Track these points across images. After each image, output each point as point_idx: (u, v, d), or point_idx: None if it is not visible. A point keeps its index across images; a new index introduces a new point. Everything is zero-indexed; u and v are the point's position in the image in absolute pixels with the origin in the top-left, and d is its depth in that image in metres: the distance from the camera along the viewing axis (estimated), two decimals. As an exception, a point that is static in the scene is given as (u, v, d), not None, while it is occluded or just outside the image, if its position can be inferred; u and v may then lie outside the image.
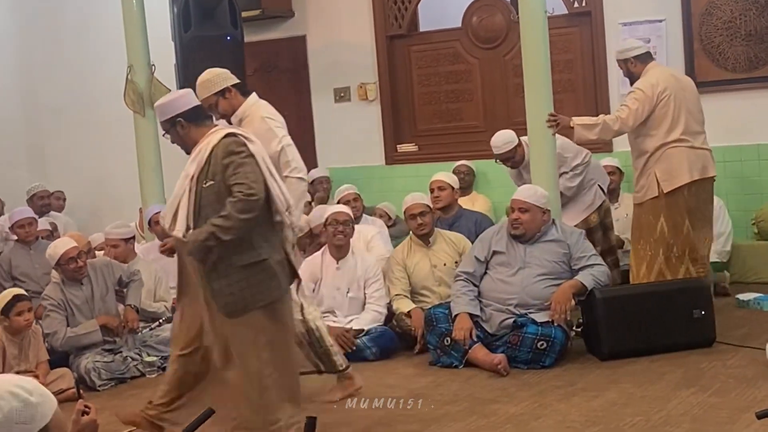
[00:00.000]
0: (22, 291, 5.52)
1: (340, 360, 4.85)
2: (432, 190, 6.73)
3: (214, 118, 4.41)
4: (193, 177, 3.97)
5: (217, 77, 4.74)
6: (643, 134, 5.72)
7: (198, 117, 4.12)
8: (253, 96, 4.88)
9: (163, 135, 4.24)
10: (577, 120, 5.76)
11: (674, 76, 5.91)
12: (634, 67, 5.82)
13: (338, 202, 6.81)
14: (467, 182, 7.74)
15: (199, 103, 4.23)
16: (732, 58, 7.01)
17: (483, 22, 7.99)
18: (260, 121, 4.69)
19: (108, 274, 5.89)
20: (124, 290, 5.94)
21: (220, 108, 4.72)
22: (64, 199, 9.01)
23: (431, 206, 6.21)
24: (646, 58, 5.85)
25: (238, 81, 4.85)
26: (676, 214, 5.69)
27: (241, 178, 3.84)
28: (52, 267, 5.84)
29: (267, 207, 3.96)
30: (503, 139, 6.42)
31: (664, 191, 5.66)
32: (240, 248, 3.89)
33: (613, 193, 6.98)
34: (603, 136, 5.87)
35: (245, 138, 3.98)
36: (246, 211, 3.82)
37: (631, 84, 5.89)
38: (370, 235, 6.55)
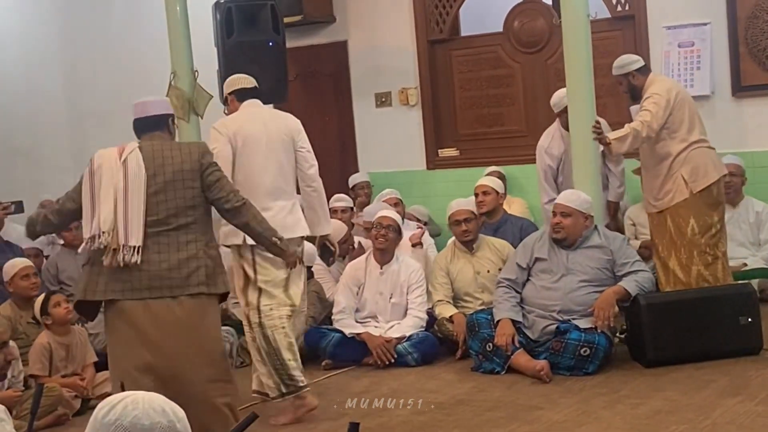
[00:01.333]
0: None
1: (298, 376, 4.79)
2: (476, 195, 6.71)
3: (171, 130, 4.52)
4: None
5: (226, 84, 5.16)
6: (664, 138, 5.69)
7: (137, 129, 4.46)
8: (247, 102, 5.02)
9: None
10: (611, 135, 5.73)
11: (677, 82, 5.95)
12: (635, 80, 5.79)
13: (379, 208, 6.80)
14: (501, 188, 7.71)
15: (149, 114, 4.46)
16: (778, 62, 6.92)
17: (525, 26, 7.96)
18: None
19: None
20: None
21: (227, 112, 5.15)
22: None
23: (476, 212, 6.17)
24: (646, 70, 5.86)
25: (240, 88, 5.05)
26: (705, 214, 5.68)
27: None
28: None
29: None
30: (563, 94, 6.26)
31: (694, 191, 5.64)
32: None
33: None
34: (634, 146, 5.78)
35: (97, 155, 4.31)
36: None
37: (632, 99, 5.90)
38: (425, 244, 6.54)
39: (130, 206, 4.11)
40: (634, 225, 7.01)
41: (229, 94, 5.07)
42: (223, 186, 4.25)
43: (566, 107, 6.18)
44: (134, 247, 4.07)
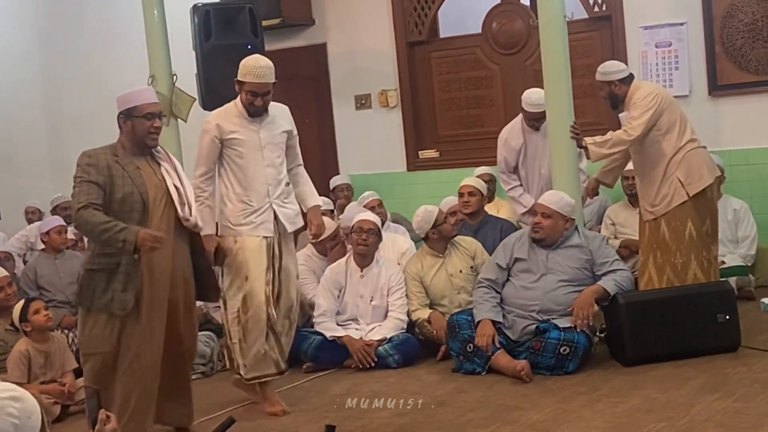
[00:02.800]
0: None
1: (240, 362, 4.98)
2: (462, 195, 6.72)
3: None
4: None
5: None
6: (657, 141, 5.65)
7: None
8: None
9: None
10: (588, 140, 5.73)
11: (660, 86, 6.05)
12: (617, 89, 5.73)
13: (362, 209, 6.80)
14: (490, 190, 7.72)
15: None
16: (754, 61, 6.97)
17: (503, 27, 7.99)
18: None
19: None
20: None
21: None
22: None
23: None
24: (629, 80, 5.77)
25: (238, 81, 5.10)
26: (703, 216, 5.66)
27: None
28: None
29: None
30: (541, 96, 6.23)
31: (690, 194, 5.61)
32: None
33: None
34: (617, 148, 5.74)
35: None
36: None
37: (612, 107, 5.89)
38: (405, 246, 6.53)
39: None
40: (614, 224, 7.04)
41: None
42: None
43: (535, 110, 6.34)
44: None
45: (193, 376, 5.80)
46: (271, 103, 5.08)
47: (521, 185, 6.75)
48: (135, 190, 4.35)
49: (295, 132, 5.24)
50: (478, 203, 6.71)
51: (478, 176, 7.54)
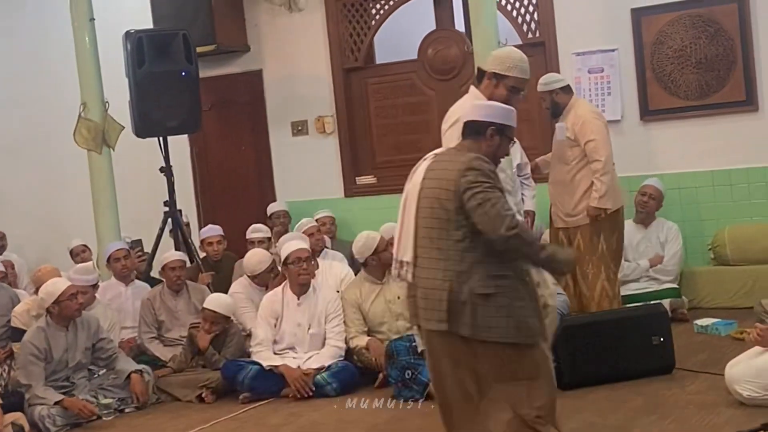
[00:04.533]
0: None
1: None
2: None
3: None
4: None
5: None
6: (584, 156, 5.92)
7: None
8: None
9: None
10: (594, 204, 5.85)
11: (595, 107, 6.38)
12: (558, 97, 6.04)
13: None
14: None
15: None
16: (684, 86, 7.10)
17: (438, 53, 8.04)
18: None
19: (91, 328, 5.77)
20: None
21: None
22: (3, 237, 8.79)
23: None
24: (569, 90, 6.11)
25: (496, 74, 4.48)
26: (614, 233, 5.98)
27: None
28: (46, 307, 5.63)
29: None
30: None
31: (608, 211, 5.88)
32: None
33: None
34: (606, 179, 5.83)
35: None
36: None
37: (553, 115, 6.11)
38: (343, 273, 6.49)
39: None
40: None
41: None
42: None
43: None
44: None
45: (127, 410, 5.71)
46: None
47: None
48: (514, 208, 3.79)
49: None
50: None
51: None
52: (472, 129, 3.76)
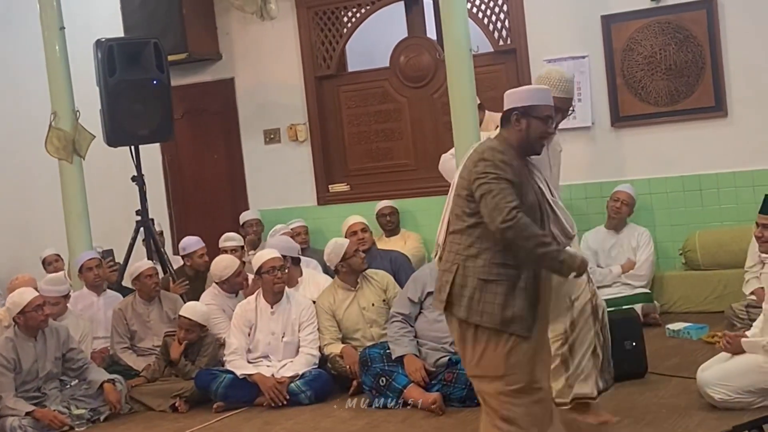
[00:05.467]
0: None
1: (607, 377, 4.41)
2: (355, 233, 6.78)
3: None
4: None
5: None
6: None
7: None
8: None
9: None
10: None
11: None
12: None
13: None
14: (394, 222, 7.76)
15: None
16: (654, 93, 7.16)
17: (410, 61, 8.06)
18: None
19: (61, 338, 5.72)
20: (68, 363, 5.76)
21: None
22: None
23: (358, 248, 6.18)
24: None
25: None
26: None
27: None
28: (12, 318, 5.60)
29: None
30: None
31: None
32: None
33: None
34: None
35: None
36: None
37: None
38: (322, 281, 6.47)
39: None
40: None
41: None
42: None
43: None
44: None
45: (101, 418, 5.67)
46: None
47: None
48: (536, 200, 3.70)
49: None
50: (371, 239, 6.88)
51: (379, 210, 7.61)
52: (504, 119, 3.82)
